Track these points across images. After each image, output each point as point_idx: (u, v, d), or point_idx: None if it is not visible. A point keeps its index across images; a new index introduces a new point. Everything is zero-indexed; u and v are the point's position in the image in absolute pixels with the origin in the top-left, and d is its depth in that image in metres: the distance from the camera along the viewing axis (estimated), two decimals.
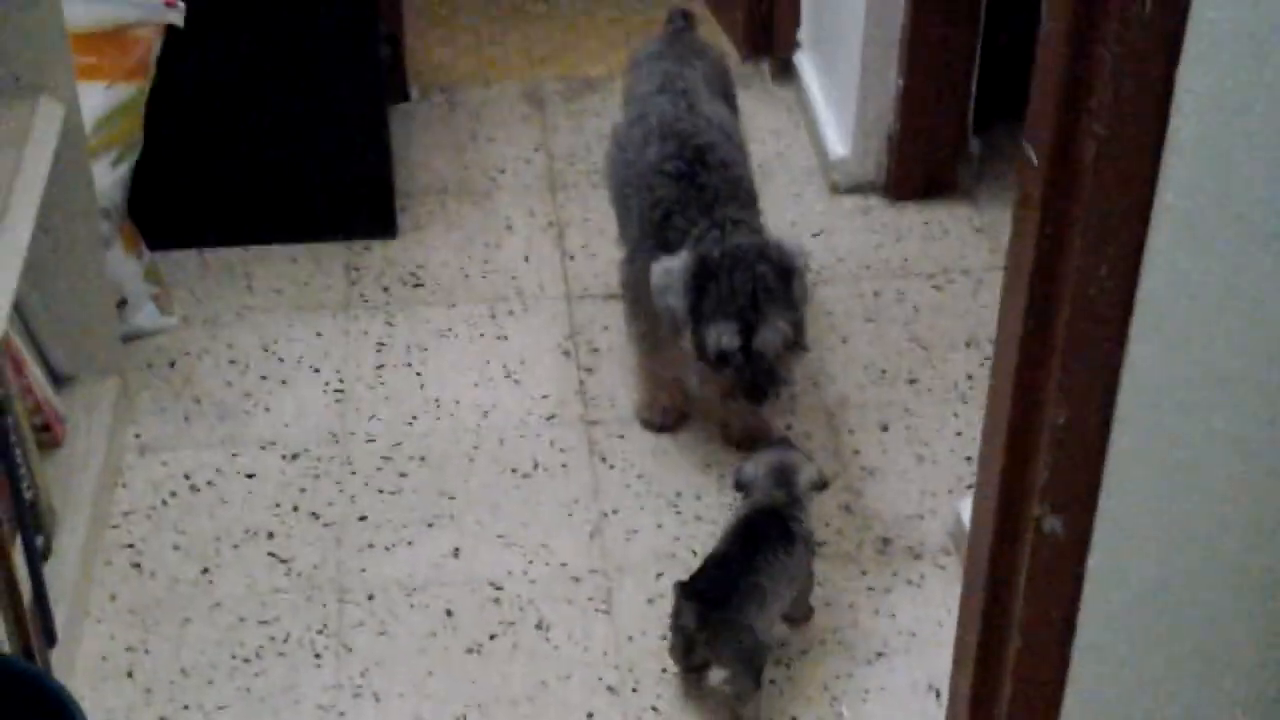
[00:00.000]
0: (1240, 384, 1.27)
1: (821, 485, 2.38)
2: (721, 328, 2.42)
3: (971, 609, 1.44)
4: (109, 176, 2.72)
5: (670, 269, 2.47)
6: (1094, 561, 1.34)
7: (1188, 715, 1.43)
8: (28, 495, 2.28)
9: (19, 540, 2.17)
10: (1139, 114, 1.17)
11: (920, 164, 3.18)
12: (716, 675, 2.18)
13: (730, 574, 2.21)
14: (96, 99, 2.65)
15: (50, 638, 2.26)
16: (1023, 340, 1.31)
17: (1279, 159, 1.18)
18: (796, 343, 2.49)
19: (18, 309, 2.52)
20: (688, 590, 2.19)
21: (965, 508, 2.45)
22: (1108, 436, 1.30)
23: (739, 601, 2.17)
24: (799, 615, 2.39)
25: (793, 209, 3.19)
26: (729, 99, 2.86)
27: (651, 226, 2.57)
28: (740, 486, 2.38)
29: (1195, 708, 1.42)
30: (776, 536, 2.26)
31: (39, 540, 2.32)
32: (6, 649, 2.04)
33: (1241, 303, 1.23)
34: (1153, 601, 1.37)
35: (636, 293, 2.64)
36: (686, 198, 2.54)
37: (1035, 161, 1.24)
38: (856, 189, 3.23)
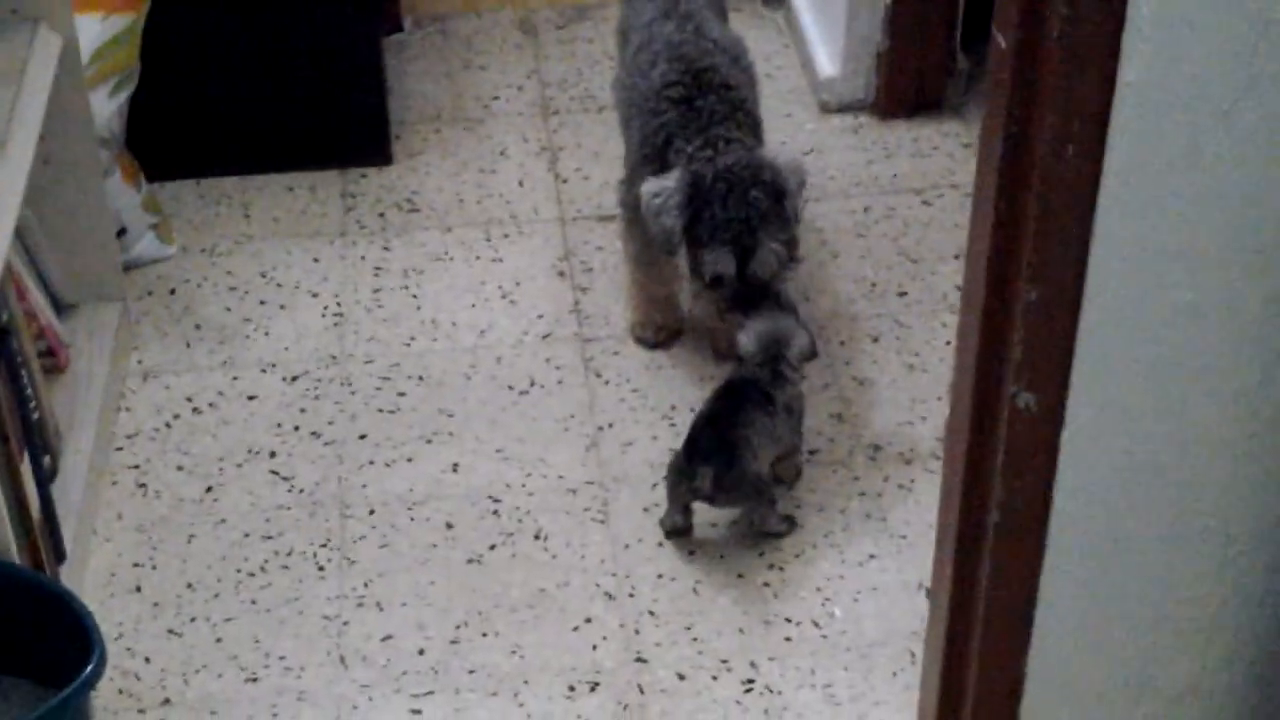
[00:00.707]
0: (1202, 256, 1.31)
1: (811, 355, 2.46)
2: (717, 254, 2.46)
3: (951, 489, 1.49)
4: (107, 106, 2.75)
5: (663, 189, 2.50)
6: (1068, 435, 1.38)
7: (1166, 580, 1.47)
8: (34, 417, 2.33)
9: (27, 460, 2.21)
10: None
11: (909, 82, 3.21)
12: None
13: (723, 430, 2.35)
14: (93, 29, 2.68)
15: (59, 554, 2.31)
16: (994, 222, 1.34)
17: (1231, 36, 1.22)
18: (790, 258, 2.53)
19: (20, 236, 2.56)
20: (701, 455, 2.33)
21: None
22: (1078, 312, 1.34)
23: (741, 453, 2.33)
24: (788, 477, 2.49)
25: (783, 129, 3.23)
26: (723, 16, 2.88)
27: (654, 151, 2.60)
28: (739, 361, 2.47)
29: (1173, 571, 1.47)
30: (758, 399, 2.38)
31: (45, 461, 2.37)
32: (17, 563, 2.09)
33: (1200, 175, 1.27)
34: (1125, 472, 1.41)
35: (633, 213, 2.68)
36: (686, 121, 2.57)
37: (1003, 44, 1.28)
38: (846, 108, 3.26)
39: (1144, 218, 1.30)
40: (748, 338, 2.44)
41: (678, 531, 2.44)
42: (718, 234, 2.46)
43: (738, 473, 2.33)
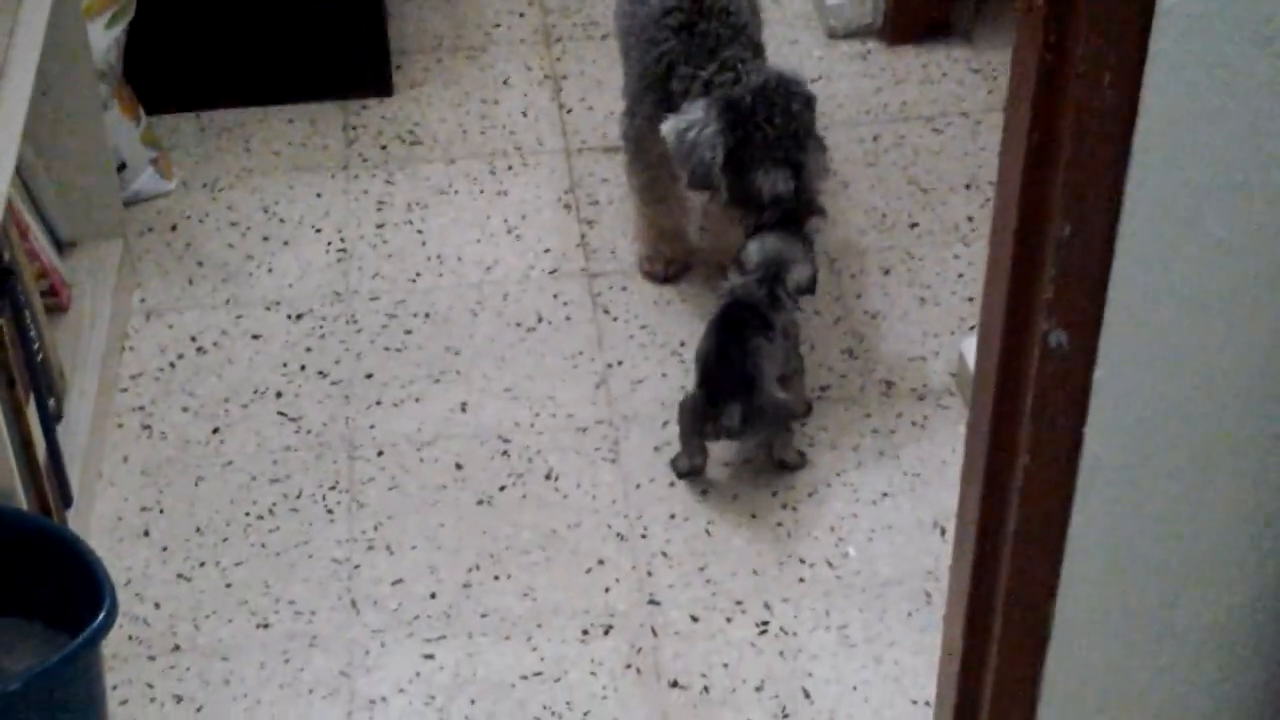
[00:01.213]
0: (1241, 190, 1.27)
1: (808, 289, 2.43)
2: (774, 174, 2.41)
3: (979, 429, 1.45)
4: (103, 38, 2.70)
5: (692, 122, 2.44)
6: (1100, 374, 1.35)
7: (1195, 522, 1.44)
8: (38, 359, 2.29)
9: (33, 403, 2.18)
10: None
11: (917, 7, 3.15)
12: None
13: (738, 365, 2.33)
14: None
15: (66, 499, 2.29)
16: (1026, 156, 1.30)
17: None
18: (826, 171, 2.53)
19: (19, 174, 2.51)
20: (725, 393, 2.31)
21: (968, 348, 2.47)
22: (1112, 249, 1.30)
23: (761, 384, 2.32)
24: (798, 410, 2.46)
25: (790, 55, 3.17)
26: None
27: (654, 80, 2.55)
28: (739, 267, 2.43)
29: (1202, 513, 1.44)
30: (756, 325, 2.35)
31: (50, 404, 2.33)
32: (24, 508, 2.06)
33: (1240, 109, 1.23)
34: (1157, 414, 1.38)
35: (637, 145, 2.63)
36: (689, 48, 2.52)
37: None
38: (853, 34, 3.21)
39: (1182, 150, 1.26)
40: (755, 249, 2.41)
41: (694, 472, 2.41)
42: (771, 153, 2.41)
43: (762, 404, 2.31)
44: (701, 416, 2.35)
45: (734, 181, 2.44)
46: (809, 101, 2.48)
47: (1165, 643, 1.52)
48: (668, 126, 2.47)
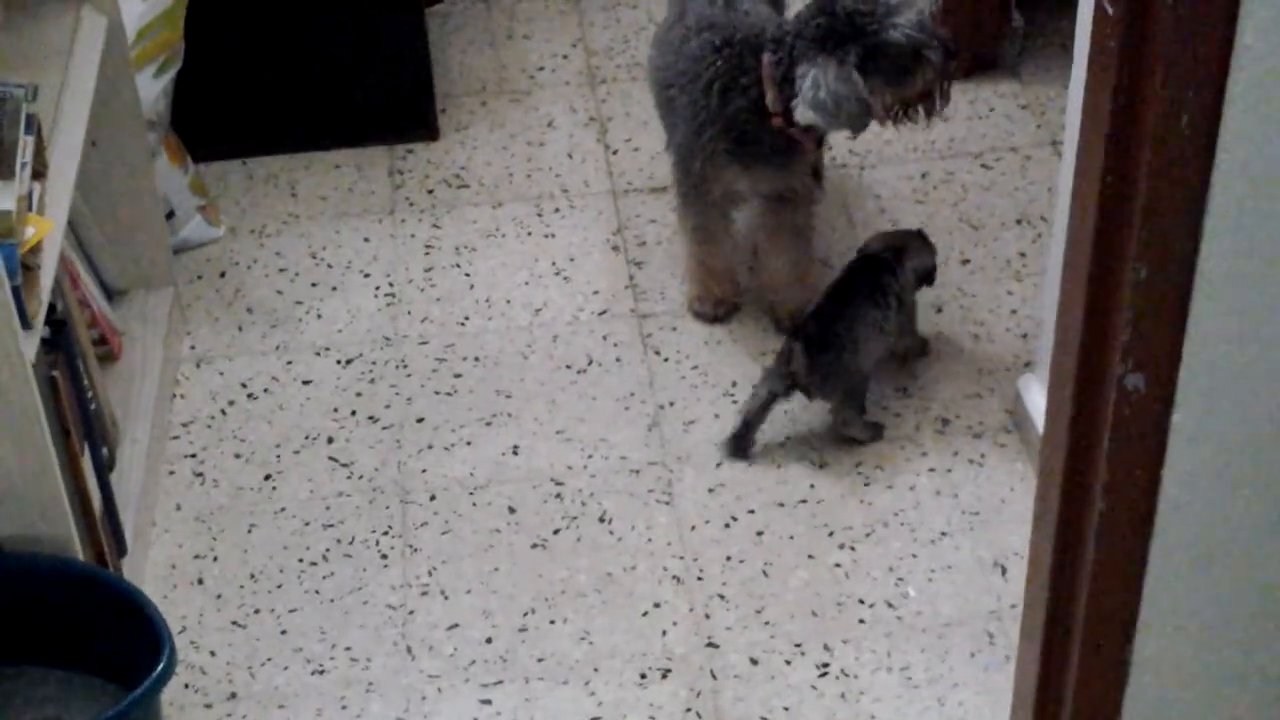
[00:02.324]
0: None
1: (927, 278, 2.56)
2: (931, 51, 2.41)
3: (1051, 473, 1.43)
4: (152, 87, 2.71)
5: (814, 80, 2.39)
6: (1178, 418, 1.33)
7: (1275, 569, 1.42)
8: (91, 408, 2.29)
9: (87, 453, 2.18)
10: None
11: (964, 42, 3.14)
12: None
13: (827, 318, 2.44)
14: (136, 9, 2.63)
15: (120, 548, 2.28)
16: (1100, 199, 1.29)
17: None
18: None
19: (70, 223, 2.52)
20: (800, 337, 2.42)
21: (1025, 385, 2.45)
22: (1190, 290, 1.28)
23: (842, 341, 2.41)
24: (913, 352, 2.61)
25: None
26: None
27: (711, 111, 2.52)
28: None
29: None
30: (867, 291, 2.47)
31: (103, 452, 2.33)
32: (80, 558, 2.06)
33: None
34: (1237, 456, 1.36)
35: (687, 186, 2.63)
36: (737, 69, 2.50)
37: (1110, 10, 1.22)
38: None
39: (1262, 190, 1.24)
40: (875, 241, 2.58)
41: (739, 439, 2.47)
42: (914, 40, 2.40)
43: (832, 359, 2.41)
44: (777, 358, 2.46)
45: (886, 85, 2.42)
46: None
47: (1245, 687, 1.50)
48: (801, 109, 2.42)
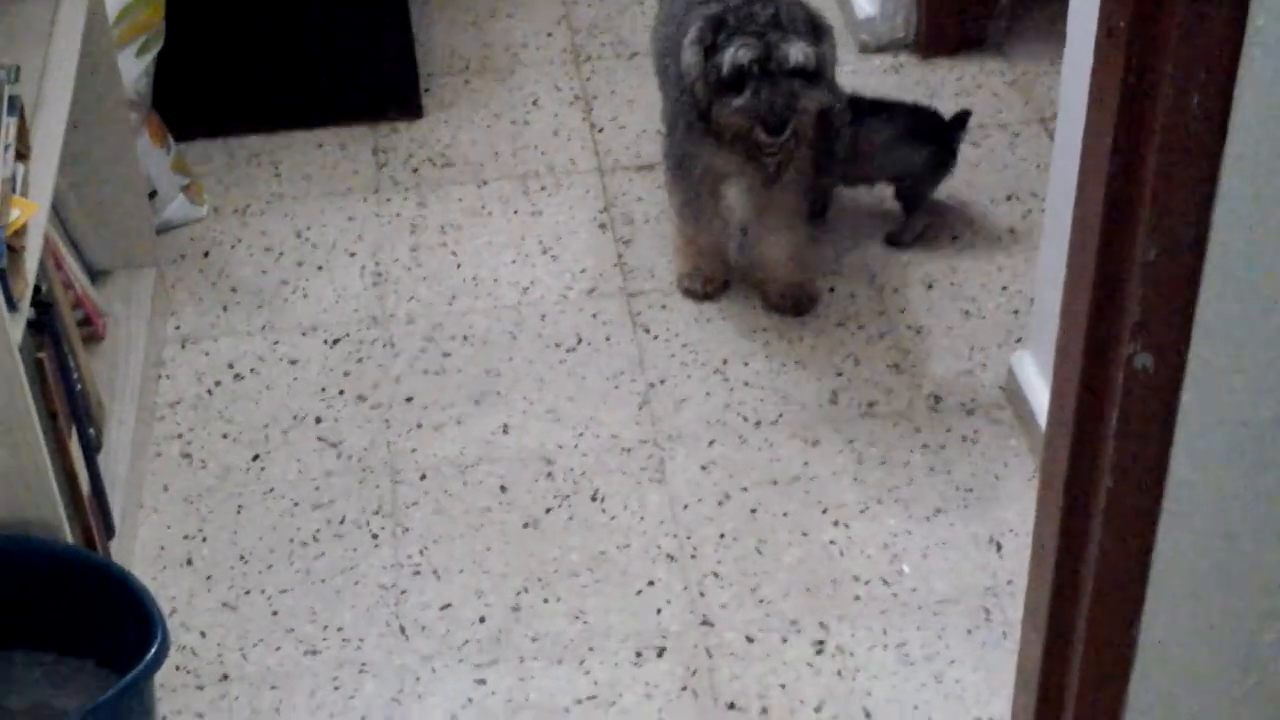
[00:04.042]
0: None
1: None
2: (737, 44, 2.37)
3: (1057, 453, 1.43)
4: (134, 67, 2.68)
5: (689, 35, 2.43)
6: (1187, 397, 1.33)
7: None
8: (77, 389, 2.27)
9: (75, 435, 2.16)
10: None
11: (950, 20, 3.13)
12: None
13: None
14: None
15: (109, 530, 2.26)
16: (1109, 179, 1.28)
17: None
18: (826, 84, 2.45)
19: (53, 204, 2.49)
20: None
21: (1018, 361, 2.45)
22: (1200, 271, 1.28)
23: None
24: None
25: None
26: None
27: (689, 91, 2.51)
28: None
29: None
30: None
31: (90, 433, 2.31)
32: (69, 541, 2.04)
33: None
34: (1246, 437, 1.36)
35: (679, 162, 2.61)
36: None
37: None
38: (886, 47, 3.19)
39: (1273, 170, 1.24)
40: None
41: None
42: (740, 29, 2.38)
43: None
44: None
45: (707, 77, 2.40)
46: (816, 22, 2.46)
47: (1251, 670, 1.49)
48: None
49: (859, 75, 3.14)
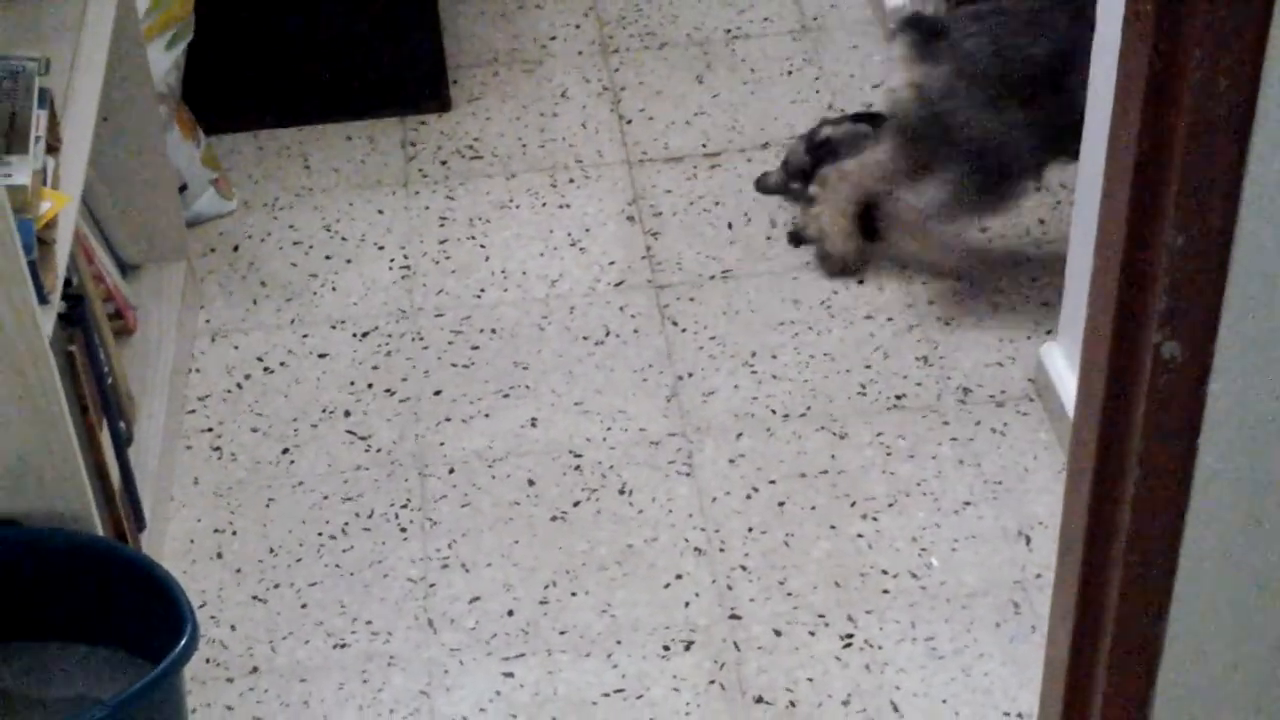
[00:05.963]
0: None
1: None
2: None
3: (1085, 443, 1.42)
4: (163, 60, 2.69)
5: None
6: (1215, 387, 1.32)
7: None
8: (108, 382, 2.28)
9: (105, 428, 2.17)
10: None
11: None
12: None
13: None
14: None
15: (139, 522, 2.27)
16: (1136, 164, 1.27)
17: None
18: None
19: (83, 197, 2.50)
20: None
21: (1047, 353, 2.44)
22: (1228, 258, 1.27)
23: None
24: None
25: (850, 61, 3.14)
26: None
27: None
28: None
29: None
30: None
31: (120, 426, 2.32)
32: (100, 534, 2.05)
33: None
34: (1275, 425, 1.35)
35: None
36: None
37: None
38: None
39: None
40: None
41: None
42: None
43: None
44: None
45: None
46: None
47: None
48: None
49: (888, 65, 3.12)
